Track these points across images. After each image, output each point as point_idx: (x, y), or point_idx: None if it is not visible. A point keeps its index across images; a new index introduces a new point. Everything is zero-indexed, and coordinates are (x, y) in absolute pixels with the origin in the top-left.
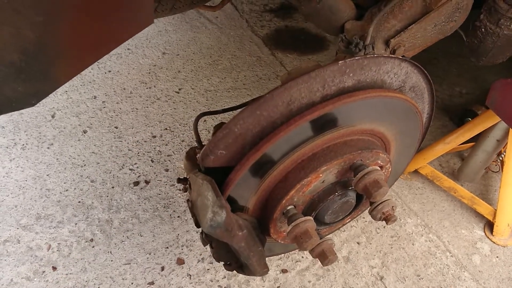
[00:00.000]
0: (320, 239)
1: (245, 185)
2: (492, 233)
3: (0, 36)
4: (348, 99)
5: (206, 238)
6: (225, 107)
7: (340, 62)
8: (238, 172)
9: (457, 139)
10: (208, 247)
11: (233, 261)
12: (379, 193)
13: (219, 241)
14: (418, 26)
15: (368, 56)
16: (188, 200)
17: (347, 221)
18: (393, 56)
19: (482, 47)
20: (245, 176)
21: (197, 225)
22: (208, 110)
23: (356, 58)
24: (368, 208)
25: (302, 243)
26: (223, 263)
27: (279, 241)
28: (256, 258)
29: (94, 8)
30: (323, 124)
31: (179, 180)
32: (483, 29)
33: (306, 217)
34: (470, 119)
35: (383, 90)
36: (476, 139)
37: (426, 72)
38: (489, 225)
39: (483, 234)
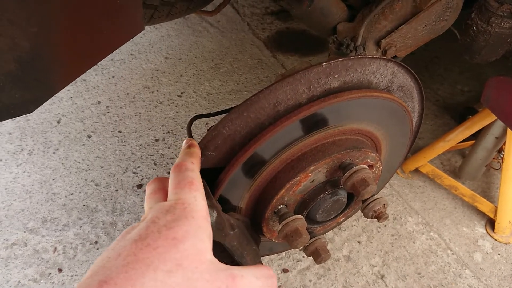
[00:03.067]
0: (314, 237)
1: (237, 185)
2: (493, 231)
3: None
4: (334, 100)
5: None
6: (219, 110)
7: (324, 64)
8: (228, 173)
9: (457, 137)
10: None
11: (229, 260)
12: (366, 191)
13: (213, 241)
14: (409, 26)
15: (352, 57)
16: None
17: (341, 219)
18: (377, 57)
19: (475, 45)
20: (236, 177)
21: None
22: (201, 113)
23: (340, 59)
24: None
25: (292, 241)
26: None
27: (273, 240)
28: (250, 257)
29: (85, 18)
30: (311, 125)
31: None
32: (474, 28)
33: (296, 215)
34: (471, 117)
35: (369, 90)
36: (477, 137)
37: (412, 71)
38: (491, 223)
39: (485, 231)
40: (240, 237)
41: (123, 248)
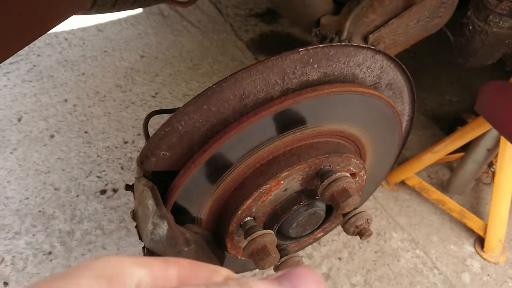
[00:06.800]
0: (286, 255)
1: (197, 193)
2: (482, 249)
3: None
4: (311, 94)
5: (149, 254)
6: (180, 106)
7: (301, 50)
8: (183, 177)
9: (446, 148)
10: None
11: None
12: (347, 204)
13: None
14: (399, 21)
15: (334, 44)
16: (132, 211)
17: (319, 235)
18: (364, 46)
19: (470, 46)
20: (194, 182)
21: (141, 238)
22: (161, 109)
23: (321, 46)
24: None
25: (258, 261)
26: None
27: (239, 257)
28: None
29: None
30: (284, 123)
31: (127, 187)
32: (470, 27)
33: (265, 230)
34: (460, 128)
35: (353, 85)
36: (466, 149)
37: (404, 67)
38: (480, 241)
39: (473, 250)
40: (197, 254)
41: None
